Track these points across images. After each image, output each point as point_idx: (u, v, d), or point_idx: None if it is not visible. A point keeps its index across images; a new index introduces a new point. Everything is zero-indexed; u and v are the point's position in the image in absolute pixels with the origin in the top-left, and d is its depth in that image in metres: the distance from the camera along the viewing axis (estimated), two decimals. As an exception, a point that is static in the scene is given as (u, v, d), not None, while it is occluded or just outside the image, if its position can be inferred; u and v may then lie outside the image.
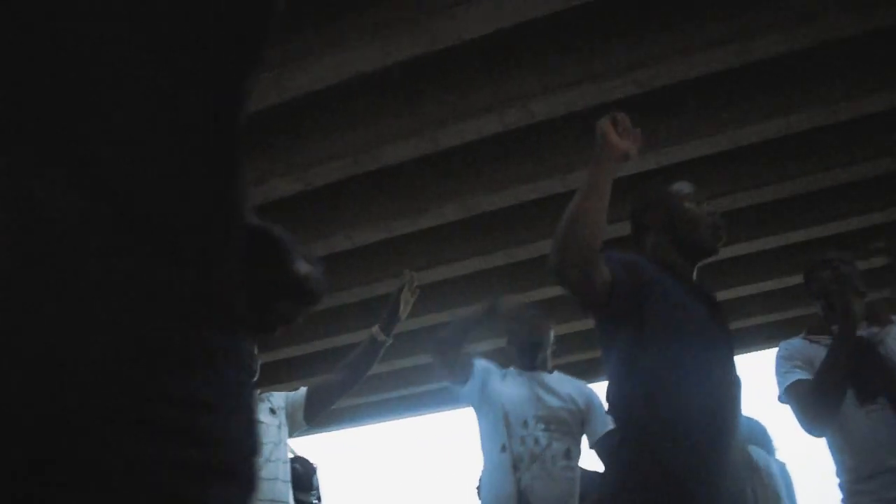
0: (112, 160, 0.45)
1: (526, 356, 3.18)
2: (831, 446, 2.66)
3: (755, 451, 3.50)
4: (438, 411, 7.30)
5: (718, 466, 1.83)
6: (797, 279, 4.69)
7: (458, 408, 7.18)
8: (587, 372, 6.19)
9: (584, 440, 3.11)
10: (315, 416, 3.01)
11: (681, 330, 1.94)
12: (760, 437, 3.78)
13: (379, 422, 7.45)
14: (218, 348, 0.49)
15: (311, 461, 3.97)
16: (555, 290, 5.04)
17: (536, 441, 2.93)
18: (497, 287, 3.12)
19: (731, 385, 1.99)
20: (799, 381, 2.59)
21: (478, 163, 3.98)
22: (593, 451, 3.13)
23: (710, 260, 2.17)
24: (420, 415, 7.34)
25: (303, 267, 0.77)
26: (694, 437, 1.83)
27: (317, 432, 7.00)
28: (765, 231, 4.62)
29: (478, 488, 6.05)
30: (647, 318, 1.93)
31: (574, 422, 3.04)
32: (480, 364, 3.17)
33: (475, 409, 3.16)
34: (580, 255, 1.84)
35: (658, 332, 1.92)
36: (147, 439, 0.43)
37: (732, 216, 4.19)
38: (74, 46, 0.45)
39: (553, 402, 3.04)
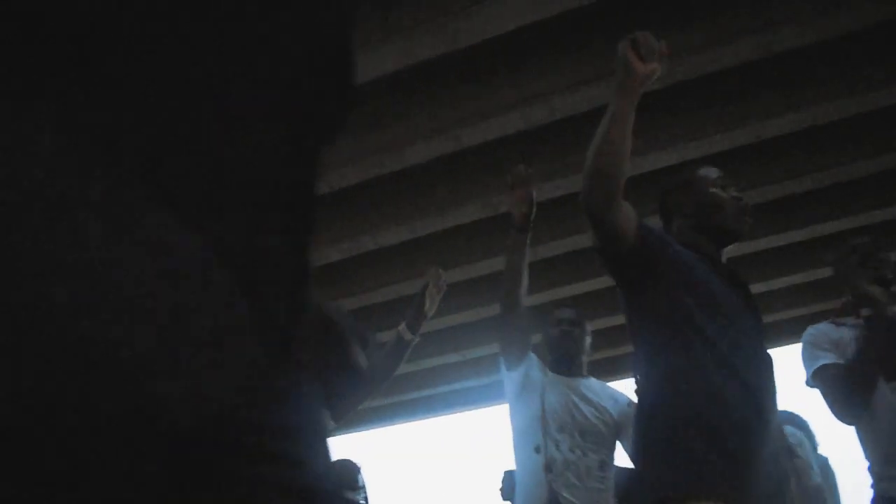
0: (235, 227, 0.51)
1: (561, 363, 3.14)
2: (858, 429, 2.62)
3: (790, 430, 3.46)
4: (464, 411, 7.31)
5: (754, 445, 1.81)
6: (826, 272, 4.66)
7: (484, 407, 7.19)
8: (612, 370, 6.18)
9: (617, 448, 3.06)
10: (342, 417, 3.00)
11: (706, 306, 1.92)
12: (803, 431, 3.73)
13: (405, 422, 7.47)
14: (300, 386, 0.56)
15: (355, 461, 3.98)
16: (581, 287, 5.04)
17: (571, 448, 2.89)
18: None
19: (762, 364, 1.97)
20: (826, 364, 2.57)
21: (501, 161, 3.97)
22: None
23: (737, 251, 2.15)
24: (446, 414, 7.35)
25: (361, 358, 0.83)
26: (727, 413, 1.82)
27: (343, 433, 7.03)
28: (792, 224, 4.58)
29: (501, 489, 6.04)
30: (672, 292, 1.93)
31: (609, 433, 2.98)
32: (533, 357, 3.14)
33: (513, 399, 3.11)
34: (606, 183, 1.86)
35: (683, 308, 1.91)
36: (253, 463, 0.49)
37: (758, 210, 4.16)
38: (215, 116, 0.50)
39: (589, 412, 2.98)
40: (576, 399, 3.00)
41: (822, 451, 3.85)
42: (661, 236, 2.02)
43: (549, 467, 2.86)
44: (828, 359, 2.58)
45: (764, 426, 1.86)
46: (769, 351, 2.05)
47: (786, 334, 5.71)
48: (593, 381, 3.19)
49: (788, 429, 3.50)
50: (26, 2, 0.46)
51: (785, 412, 3.65)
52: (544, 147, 3.89)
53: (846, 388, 2.50)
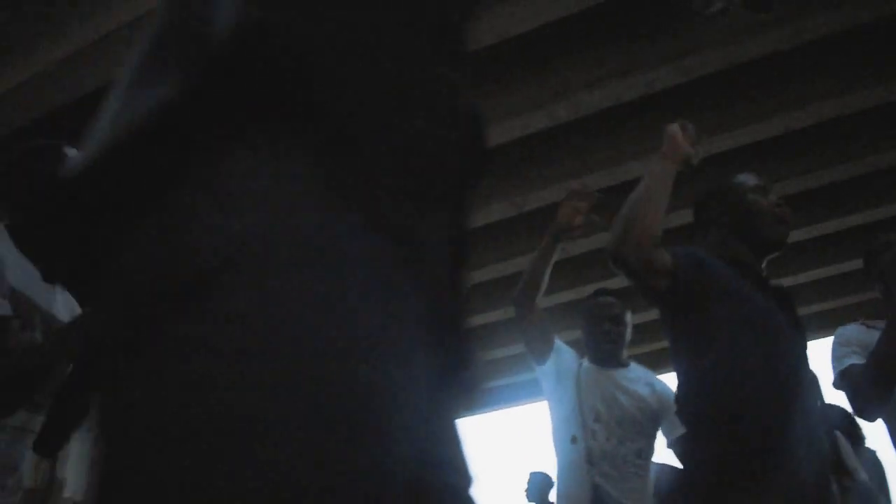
0: (433, 267, 0.57)
1: (601, 353, 3.11)
2: (890, 431, 2.60)
3: (840, 439, 3.40)
4: (491, 411, 7.31)
5: (793, 460, 1.79)
6: (854, 265, 4.61)
7: (510, 406, 7.18)
8: (656, 363, 6.14)
9: (659, 437, 3.03)
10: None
11: (746, 324, 1.89)
12: (848, 425, 3.68)
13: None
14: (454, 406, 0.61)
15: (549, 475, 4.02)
16: (615, 283, 5.02)
17: (608, 438, 2.88)
18: (550, 283, 3.08)
19: (803, 378, 1.94)
20: (853, 364, 2.54)
21: (526, 159, 3.97)
22: (670, 450, 3.07)
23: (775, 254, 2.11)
24: (473, 415, 7.35)
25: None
26: (763, 431, 1.80)
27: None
28: (819, 216, 4.54)
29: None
30: (712, 312, 1.90)
31: (647, 421, 2.96)
32: (561, 345, 3.12)
33: (550, 393, 3.09)
34: (640, 241, 1.86)
35: (723, 326, 1.88)
36: (434, 474, 0.55)
37: (786, 202, 4.13)
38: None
39: (626, 401, 2.96)
40: (613, 389, 2.98)
41: (869, 444, 3.79)
42: (695, 266, 1.96)
43: (589, 458, 2.84)
44: (855, 359, 2.55)
45: (807, 434, 1.84)
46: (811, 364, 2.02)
47: (812, 328, 5.65)
48: (633, 367, 3.14)
49: (840, 437, 3.45)
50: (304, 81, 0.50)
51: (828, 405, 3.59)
52: (569, 144, 3.89)
53: (868, 384, 2.46)
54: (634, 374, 3.10)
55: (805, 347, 2.04)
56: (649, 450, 2.98)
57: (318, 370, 0.43)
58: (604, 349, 3.10)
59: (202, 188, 0.47)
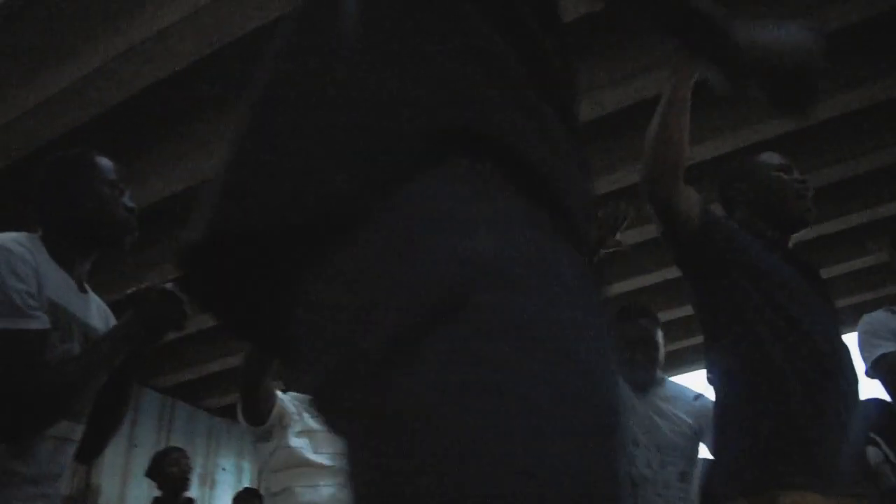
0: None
1: (635, 379, 3.03)
2: None
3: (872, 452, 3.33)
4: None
5: (828, 439, 1.77)
6: (885, 257, 4.55)
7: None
8: (676, 362, 6.10)
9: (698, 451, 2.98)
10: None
11: (775, 295, 1.89)
12: (889, 421, 3.59)
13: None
14: None
15: None
16: (639, 282, 4.99)
17: (648, 463, 2.83)
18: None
19: (837, 351, 1.93)
20: (885, 353, 2.51)
21: (550, 159, 3.97)
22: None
23: (801, 233, 2.11)
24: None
25: None
26: (798, 406, 1.78)
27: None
28: (851, 207, 4.49)
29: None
30: (740, 282, 1.89)
31: (686, 443, 2.87)
32: None
33: None
34: (666, 168, 1.84)
35: (751, 297, 1.88)
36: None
37: (816, 194, 4.09)
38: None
39: (664, 425, 2.87)
40: (651, 414, 2.90)
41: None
42: (726, 223, 1.98)
43: (631, 484, 2.80)
44: (887, 348, 2.52)
45: (843, 412, 1.82)
46: (843, 337, 1.99)
47: (850, 321, 5.57)
48: (668, 384, 3.05)
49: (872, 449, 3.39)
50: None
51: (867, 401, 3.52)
52: (594, 143, 3.88)
53: None
54: (670, 393, 3.00)
55: (836, 320, 2.03)
56: (692, 471, 2.90)
57: (574, 381, 0.47)
58: (637, 375, 3.03)
59: (422, 213, 0.51)
